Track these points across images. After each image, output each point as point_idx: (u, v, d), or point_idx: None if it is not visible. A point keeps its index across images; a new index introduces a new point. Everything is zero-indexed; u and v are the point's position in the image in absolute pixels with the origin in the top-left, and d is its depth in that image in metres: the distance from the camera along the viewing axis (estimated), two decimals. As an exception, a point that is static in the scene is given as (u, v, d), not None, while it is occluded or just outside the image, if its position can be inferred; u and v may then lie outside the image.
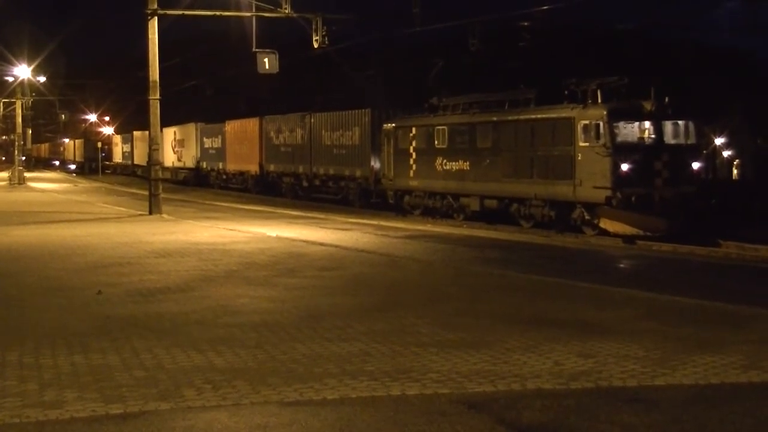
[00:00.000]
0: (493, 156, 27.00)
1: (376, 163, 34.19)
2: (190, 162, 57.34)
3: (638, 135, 23.28)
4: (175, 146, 60.23)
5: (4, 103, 64.37)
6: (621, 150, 22.73)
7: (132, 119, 76.17)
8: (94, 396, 6.62)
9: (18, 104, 59.16)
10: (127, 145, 76.55)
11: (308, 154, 40.66)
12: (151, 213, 26.84)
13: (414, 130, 30.79)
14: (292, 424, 5.99)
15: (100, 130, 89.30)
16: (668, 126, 23.51)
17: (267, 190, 45.24)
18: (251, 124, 47.76)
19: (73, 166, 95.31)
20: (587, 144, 23.26)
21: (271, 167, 45.16)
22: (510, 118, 26.46)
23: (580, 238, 23.07)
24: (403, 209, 31.44)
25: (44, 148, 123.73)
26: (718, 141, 50.21)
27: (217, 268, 13.99)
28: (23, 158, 62.73)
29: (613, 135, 22.81)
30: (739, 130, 49.22)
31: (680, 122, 23.72)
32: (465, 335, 8.73)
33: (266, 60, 27.49)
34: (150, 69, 27.13)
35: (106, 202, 35.76)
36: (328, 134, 38.87)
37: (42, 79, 61.23)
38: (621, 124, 23.07)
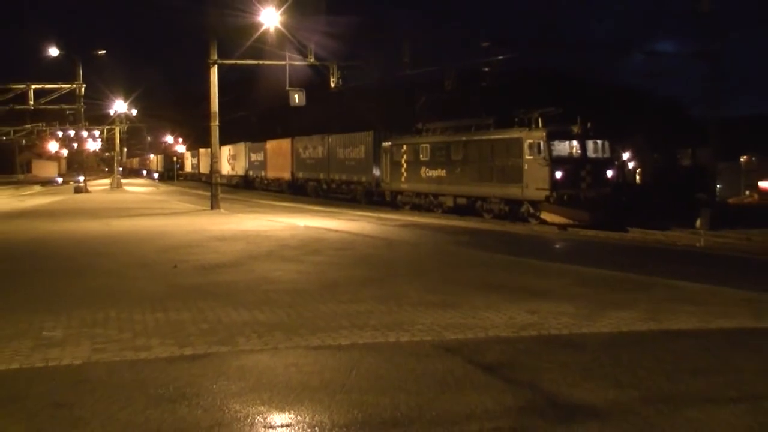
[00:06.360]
0: (463, 166, 26.95)
1: (376, 172, 34.11)
2: (240, 171, 57.24)
3: (568, 151, 23.26)
4: (229, 159, 60.10)
5: (106, 129, 64.32)
6: (556, 162, 22.75)
7: (198, 140, 75.94)
8: (171, 342, 6.62)
9: (116, 130, 59.20)
10: (194, 159, 76.29)
11: (327, 164, 40.55)
12: (212, 208, 26.80)
13: (405, 147, 30.72)
14: (316, 363, 5.98)
15: (175, 148, 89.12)
16: (590, 144, 23.49)
17: (297, 191, 45.12)
18: (285, 143, 47.61)
19: (156, 175, 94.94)
20: (532, 157, 23.25)
21: (300, 175, 45.06)
22: (475, 138, 26.42)
23: (527, 227, 23.02)
24: (397, 205, 31.37)
25: (135, 162, 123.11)
26: (625, 155, 50.12)
27: (260, 249, 13.95)
28: (120, 169, 62.46)
29: (550, 151, 22.81)
30: (641, 149, 49.15)
31: (599, 141, 23.70)
32: (444, 297, 8.72)
33: (296, 96, 27.40)
34: (211, 103, 27.06)
35: (179, 200, 35.67)
36: (341, 150, 38.75)
37: (134, 111, 61.13)
38: (556, 142, 23.07)
